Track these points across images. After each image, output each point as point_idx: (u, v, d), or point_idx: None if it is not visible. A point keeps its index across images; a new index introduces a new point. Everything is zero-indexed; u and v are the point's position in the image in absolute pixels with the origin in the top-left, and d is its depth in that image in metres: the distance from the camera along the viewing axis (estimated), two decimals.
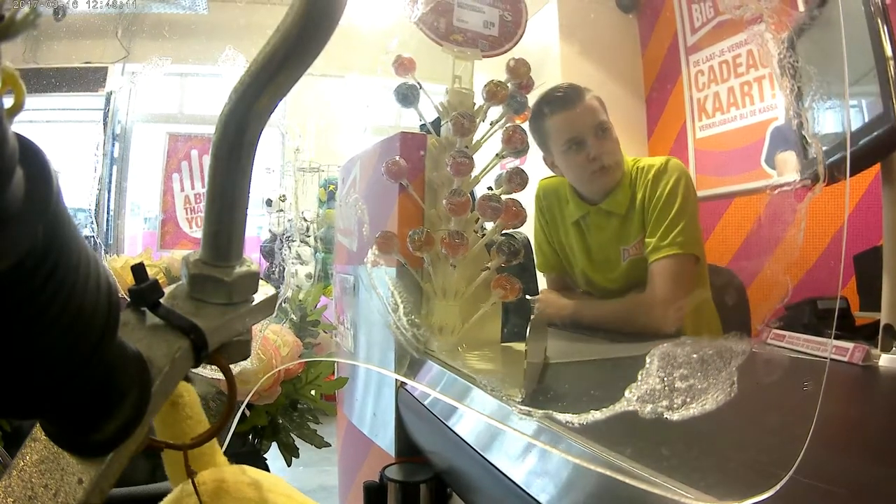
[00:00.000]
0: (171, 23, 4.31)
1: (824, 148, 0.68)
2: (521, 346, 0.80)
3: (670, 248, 1.27)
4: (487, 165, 1.27)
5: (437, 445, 0.94)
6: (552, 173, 1.50)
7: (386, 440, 1.19)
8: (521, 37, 1.35)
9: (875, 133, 0.98)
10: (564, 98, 1.37)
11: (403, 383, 1.12)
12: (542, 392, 0.80)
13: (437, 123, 1.29)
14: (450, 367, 0.99)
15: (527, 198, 1.18)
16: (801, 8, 1.29)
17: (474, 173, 1.22)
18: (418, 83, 1.25)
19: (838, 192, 0.63)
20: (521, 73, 1.25)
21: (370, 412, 1.29)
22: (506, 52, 1.32)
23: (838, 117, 0.98)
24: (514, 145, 1.20)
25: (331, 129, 3.95)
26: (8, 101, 0.23)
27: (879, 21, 0.95)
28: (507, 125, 1.23)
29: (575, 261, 1.49)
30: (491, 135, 1.27)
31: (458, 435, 0.82)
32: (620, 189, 1.37)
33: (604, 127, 1.36)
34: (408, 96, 1.24)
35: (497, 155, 1.24)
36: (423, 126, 1.30)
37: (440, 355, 1.06)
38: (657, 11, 3.15)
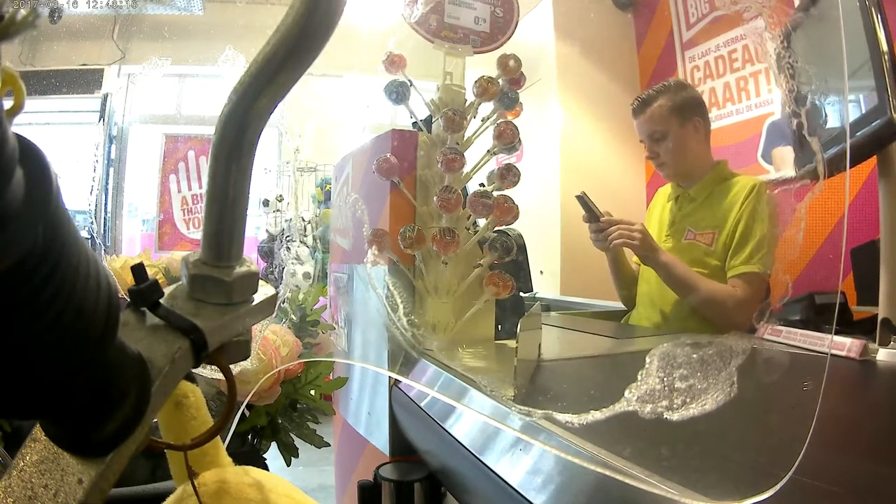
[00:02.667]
0: (168, 24, 4.30)
1: (821, 141, 0.68)
2: (514, 344, 0.80)
3: (756, 265, 1.47)
4: (479, 162, 1.27)
5: (432, 444, 0.94)
6: (543, 172, 1.59)
7: (380, 439, 1.18)
8: (513, 33, 1.35)
9: (871, 125, 0.98)
10: (635, 108, 1.70)
11: (397, 382, 1.12)
12: (539, 391, 0.80)
13: (428, 121, 1.29)
14: (444, 366, 0.99)
15: (520, 194, 1.18)
16: (795, 4, 1.29)
17: (466, 170, 1.21)
18: (409, 80, 1.25)
19: (835, 187, 0.63)
20: (511, 69, 1.25)
21: (365, 411, 1.29)
22: (497, 48, 1.32)
23: (835, 112, 0.98)
24: (506, 141, 1.19)
25: (329, 129, 3.95)
26: (8, 102, 0.23)
27: (874, 14, 0.95)
28: (499, 121, 1.23)
29: (657, 229, 1.77)
30: (482, 131, 1.27)
31: (452, 435, 0.82)
32: (703, 183, 1.66)
33: (656, 135, 1.64)
34: (399, 93, 1.24)
35: (488, 151, 1.24)
36: (414, 123, 1.29)
37: (436, 354, 1.06)
38: (653, 8, 3.15)
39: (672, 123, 1.63)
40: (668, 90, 1.66)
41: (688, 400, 0.55)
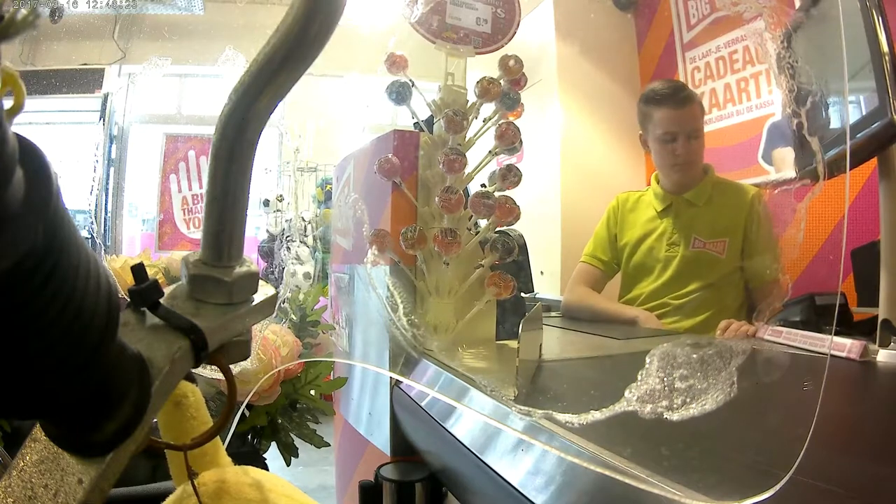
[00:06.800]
0: (169, 24, 4.31)
1: (822, 143, 0.68)
2: (516, 345, 0.80)
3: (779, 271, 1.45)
4: (481, 162, 1.27)
5: (433, 445, 0.94)
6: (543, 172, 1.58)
7: (381, 439, 1.18)
8: (515, 33, 1.35)
9: (871, 127, 0.98)
10: (682, 97, 1.59)
11: (398, 382, 1.12)
12: (540, 391, 0.80)
13: (430, 121, 1.28)
14: (445, 366, 0.99)
15: (521, 195, 1.18)
16: (796, 5, 1.29)
17: (468, 170, 1.21)
18: (411, 80, 1.25)
19: (835, 188, 0.63)
20: (513, 70, 1.25)
21: (366, 411, 1.29)
22: (499, 48, 1.32)
23: (835, 113, 0.98)
24: (507, 141, 1.19)
25: (329, 129, 3.95)
26: (8, 102, 0.23)
27: (875, 15, 0.95)
28: (500, 122, 1.23)
29: (645, 247, 1.70)
30: (484, 132, 1.27)
31: (453, 434, 0.82)
32: (703, 186, 1.62)
33: (695, 133, 1.58)
34: (400, 94, 1.24)
35: (490, 152, 1.24)
36: (416, 124, 1.29)
37: (437, 355, 1.06)
38: (654, 9, 3.15)
39: (702, 123, 1.60)
40: (691, 91, 1.64)
41: (688, 400, 0.55)
